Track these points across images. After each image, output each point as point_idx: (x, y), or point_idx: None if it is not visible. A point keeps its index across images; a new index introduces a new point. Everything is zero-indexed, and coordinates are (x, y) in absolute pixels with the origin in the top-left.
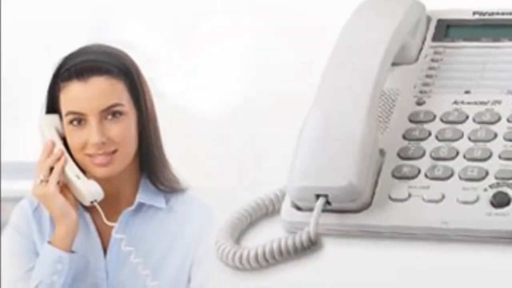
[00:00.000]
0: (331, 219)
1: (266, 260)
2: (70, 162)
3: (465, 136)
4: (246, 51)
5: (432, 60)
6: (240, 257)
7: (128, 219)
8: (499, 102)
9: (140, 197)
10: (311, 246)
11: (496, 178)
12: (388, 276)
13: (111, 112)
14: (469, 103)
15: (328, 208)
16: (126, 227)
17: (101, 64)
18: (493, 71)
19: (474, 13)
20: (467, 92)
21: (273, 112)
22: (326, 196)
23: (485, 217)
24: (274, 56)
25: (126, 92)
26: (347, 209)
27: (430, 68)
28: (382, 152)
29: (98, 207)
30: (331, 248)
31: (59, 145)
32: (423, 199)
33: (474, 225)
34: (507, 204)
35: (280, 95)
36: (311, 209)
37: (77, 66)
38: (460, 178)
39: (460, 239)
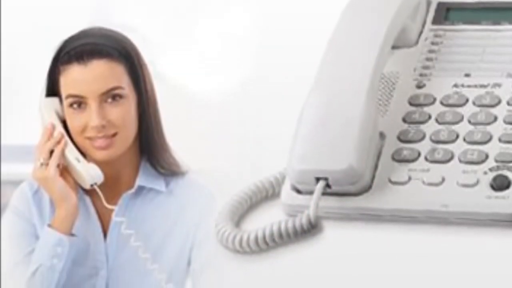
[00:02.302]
0: (331, 202)
1: (266, 243)
2: (70, 145)
3: (465, 119)
4: (248, 34)
5: (432, 43)
6: (240, 240)
7: (128, 202)
8: (499, 85)
9: (140, 180)
10: (311, 229)
11: (496, 161)
12: (388, 259)
13: (111, 95)
14: (469, 86)
15: (328, 191)
16: (126, 210)
17: (101, 47)
18: (493, 54)
19: None
20: (467, 75)
21: (274, 95)
22: (326, 179)
23: (485, 200)
24: (276, 40)
25: (126, 75)
26: (347, 192)
27: (430, 51)
28: (382, 135)
29: (98, 190)
30: (331, 231)
31: (59, 128)
32: (423, 182)
33: (474, 208)
34: (507, 187)
35: (281, 78)
36: (311, 192)
37: (77, 49)
38: (460, 161)
39: (460, 222)
